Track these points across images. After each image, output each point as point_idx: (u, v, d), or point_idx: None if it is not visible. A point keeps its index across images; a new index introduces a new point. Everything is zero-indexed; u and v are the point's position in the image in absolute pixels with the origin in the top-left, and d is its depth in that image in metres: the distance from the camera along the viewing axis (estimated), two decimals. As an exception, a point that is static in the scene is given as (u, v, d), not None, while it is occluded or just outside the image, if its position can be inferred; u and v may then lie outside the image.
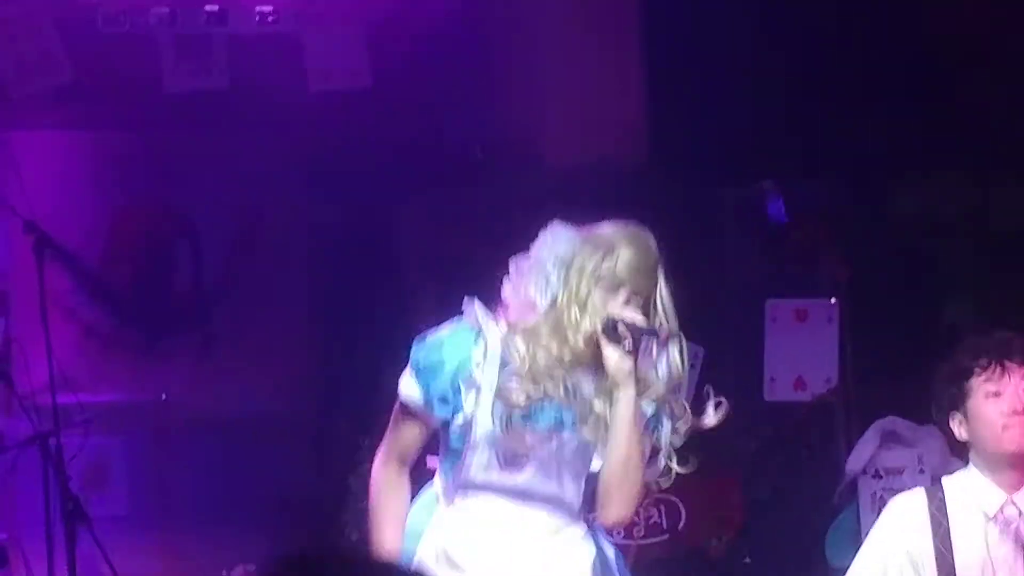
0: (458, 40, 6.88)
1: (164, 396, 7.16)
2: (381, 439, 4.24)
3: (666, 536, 6.51)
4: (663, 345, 4.09)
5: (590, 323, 3.97)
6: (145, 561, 6.84)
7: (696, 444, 4.97)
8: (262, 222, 7.43)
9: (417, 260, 6.30)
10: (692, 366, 6.89)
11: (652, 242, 4.07)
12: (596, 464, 4.16)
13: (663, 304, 4.06)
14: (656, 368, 4.11)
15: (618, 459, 4.04)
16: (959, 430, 4.42)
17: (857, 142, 6.65)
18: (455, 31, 6.89)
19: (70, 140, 7.20)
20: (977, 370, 4.38)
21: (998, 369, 4.36)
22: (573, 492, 4.12)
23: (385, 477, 4.13)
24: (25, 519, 6.67)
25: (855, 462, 5.90)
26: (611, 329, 3.93)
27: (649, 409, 4.10)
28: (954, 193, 6.85)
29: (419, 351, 4.09)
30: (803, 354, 6.71)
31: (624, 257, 4.00)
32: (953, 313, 6.80)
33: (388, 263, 6.71)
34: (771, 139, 6.62)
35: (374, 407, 4.89)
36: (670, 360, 4.10)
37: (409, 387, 4.08)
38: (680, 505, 6.52)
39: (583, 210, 4.30)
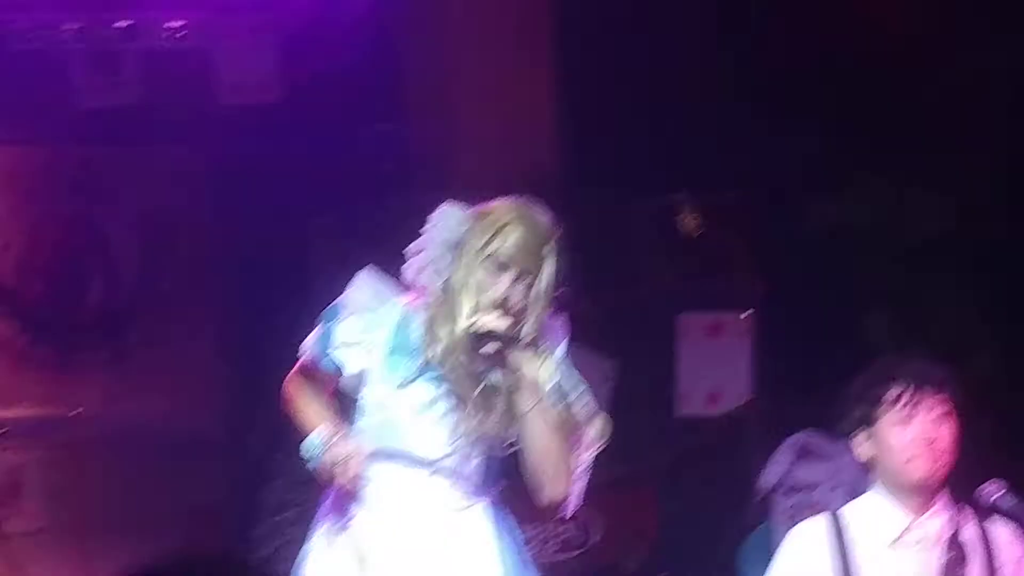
0: (372, 53, 6.80)
1: (79, 410, 7.11)
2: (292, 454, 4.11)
3: (580, 551, 6.45)
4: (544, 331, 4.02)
5: (469, 313, 3.95)
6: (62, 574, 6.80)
7: (610, 459, 5.53)
8: (175, 236, 7.44)
9: (330, 273, 6.22)
10: (607, 380, 6.57)
11: (543, 219, 4.01)
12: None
13: (542, 285, 3.97)
14: (538, 350, 4.03)
15: (530, 437, 4.02)
16: (864, 449, 4.34)
17: (771, 155, 6.61)
18: (369, 45, 6.78)
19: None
20: (890, 395, 4.29)
21: (911, 397, 4.29)
22: (474, 468, 4.06)
23: (306, 393, 4.04)
24: None
25: (768, 478, 5.56)
26: (475, 339, 3.89)
27: (547, 382, 4.04)
28: (869, 206, 6.81)
29: (337, 319, 4.08)
30: (716, 368, 6.76)
31: (512, 237, 3.95)
32: (868, 326, 6.77)
33: (301, 276, 6.62)
34: (684, 153, 6.58)
35: (286, 421, 4.71)
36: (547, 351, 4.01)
37: (332, 353, 4.06)
38: (594, 520, 6.43)
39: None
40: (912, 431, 4.21)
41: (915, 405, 4.23)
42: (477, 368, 3.98)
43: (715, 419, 6.80)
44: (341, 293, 4.47)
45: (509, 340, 3.86)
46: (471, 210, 4.01)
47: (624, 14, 6.60)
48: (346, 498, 4.05)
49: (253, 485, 6.41)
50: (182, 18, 6.80)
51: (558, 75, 6.76)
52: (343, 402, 4.18)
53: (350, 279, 4.43)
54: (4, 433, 6.79)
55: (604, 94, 6.66)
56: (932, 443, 4.23)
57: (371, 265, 4.10)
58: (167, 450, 7.18)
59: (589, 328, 5.59)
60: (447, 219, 4.01)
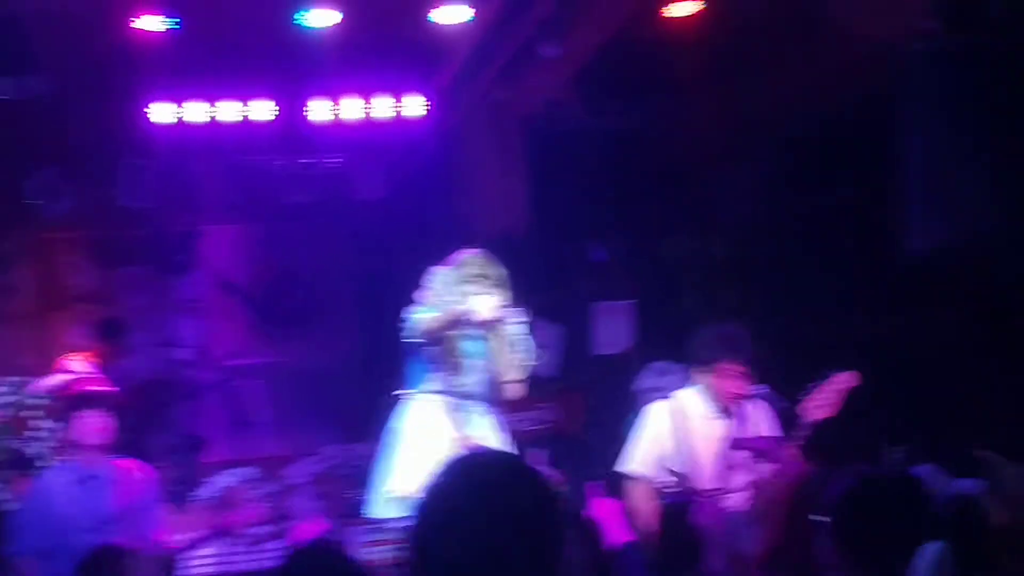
0: (429, 172, 9.11)
1: (284, 360, 9.62)
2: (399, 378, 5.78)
3: (547, 425, 8.39)
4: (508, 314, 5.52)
5: (462, 309, 5.38)
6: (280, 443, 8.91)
7: (562, 375, 7.68)
8: (330, 270, 9.78)
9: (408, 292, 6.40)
10: (558, 339, 8.59)
11: (484, 257, 5.48)
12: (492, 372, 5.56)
13: (500, 283, 5.44)
14: (505, 325, 5.60)
15: (501, 366, 5.63)
16: (698, 376, 5.77)
17: (636, 215, 8.65)
18: (427, 167, 9.04)
19: (236, 231, 9.87)
20: (720, 358, 5.63)
21: (733, 369, 5.60)
22: (483, 387, 5.63)
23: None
24: (212, 422, 9.02)
25: (640, 383, 7.01)
26: (467, 316, 5.45)
27: (511, 341, 5.54)
28: (686, 246, 8.88)
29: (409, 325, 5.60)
30: (615, 330, 8.70)
31: (470, 266, 5.52)
32: (697, 312, 7.95)
33: (398, 297, 6.63)
34: (593, 218, 8.81)
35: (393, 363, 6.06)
36: (509, 328, 5.60)
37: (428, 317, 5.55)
38: (553, 409, 8.49)
39: (493, 254, 5.80)
40: (727, 383, 5.59)
41: (732, 369, 5.64)
42: (471, 337, 5.47)
43: (614, 356, 8.66)
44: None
45: (492, 322, 5.47)
46: (447, 264, 5.50)
47: (561, 157, 8.62)
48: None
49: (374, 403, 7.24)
50: (336, 156, 9.33)
51: (528, 178, 8.93)
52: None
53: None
54: (241, 371, 9.20)
55: (552, 189, 8.77)
56: (741, 392, 5.70)
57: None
58: (324, 376, 9.47)
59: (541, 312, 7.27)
60: (436, 273, 5.58)
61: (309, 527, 4.12)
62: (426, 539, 2.10)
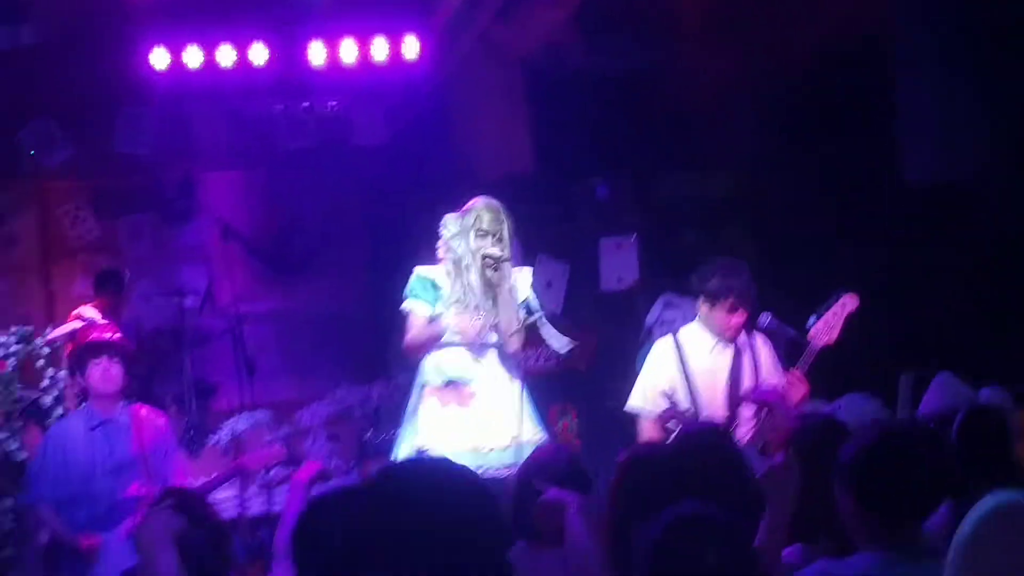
0: (429, 113, 8.89)
1: (291, 305, 9.68)
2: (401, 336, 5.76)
3: (554, 362, 8.20)
4: (513, 264, 5.57)
5: (474, 258, 5.47)
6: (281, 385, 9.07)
7: (565, 312, 7.68)
8: (331, 213, 9.72)
9: (416, 235, 6.69)
10: (563, 275, 8.48)
11: (497, 204, 5.51)
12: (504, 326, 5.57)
13: (507, 236, 5.54)
14: (515, 278, 5.65)
15: (506, 321, 5.60)
16: (703, 309, 5.89)
17: (638, 153, 8.43)
18: (427, 109, 8.85)
19: (240, 178, 9.81)
20: (725, 296, 5.76)
21: (735, 303, 5.78)
22: (495, 339, 5.66)
23: (418, 336, 5.59)
24: (221, 369, 9.16)
25: (650, 318, 6.73)
26: (483, 260, 5.50)
27: (521, 298, 5.61)
28: (688, 184, 8.77)
29: (416, 287, 5.67)
30: (620, 265, 8.52)
31: (484, 218, 5.53)
32: (699, 249, 7.38)
33: (401, 235, 7.75)
34: (595, 157, 8.64)
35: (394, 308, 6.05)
36: (512, 277, 5.63)
37: (419, 307, 5.68)
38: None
39: (498, 195, 5.80)
40: (729, 318, 5.80)
41: (735, 308, 5.78)
42: (483, 280, 5.49)
43: (621, 291, 8.46)
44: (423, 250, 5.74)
45: (501, 260, 5.49)
46: (459, 211, 5.53)
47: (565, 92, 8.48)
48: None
49: (381, 342, 8.09)
50: (335, 99, 9.15)
51: (531, 118, 8.86)
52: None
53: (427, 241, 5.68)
54: (250, 317, 9.02)
55: (557, 126, 8.57)
56: (738, 327, 5.86)
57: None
58: (332, 319, 9.58)
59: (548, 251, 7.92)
60: (449, 221, 5.60)
61: (308, 467, 4.09)
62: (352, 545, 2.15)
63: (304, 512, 3.01)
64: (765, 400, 5.43)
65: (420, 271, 5.71)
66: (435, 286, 5.64)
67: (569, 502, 3.40)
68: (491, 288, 5.53)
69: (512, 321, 5.50)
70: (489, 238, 5.50)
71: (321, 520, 2.92)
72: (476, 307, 5.53)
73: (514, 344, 5.52)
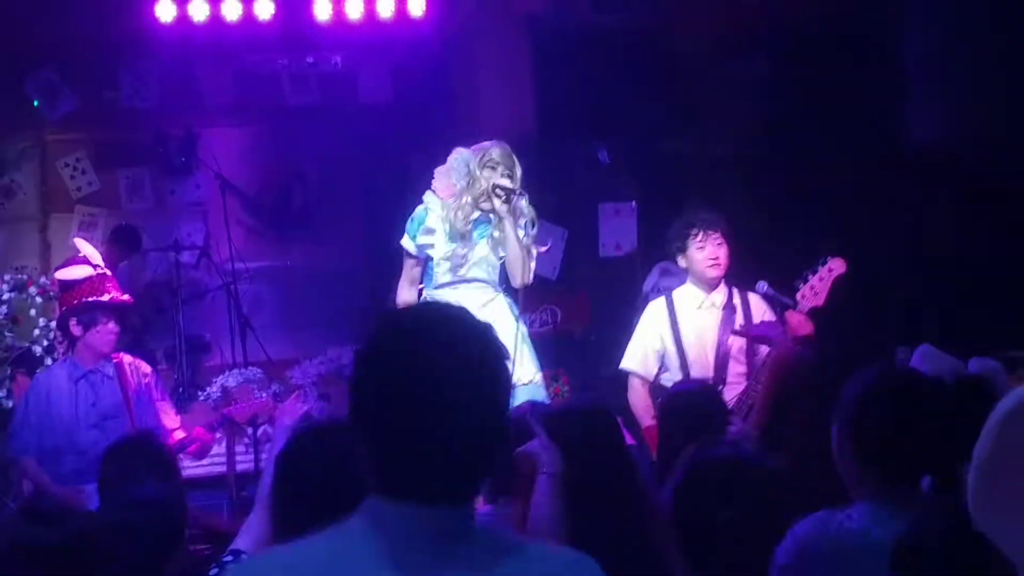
0: (435, 70, 8.88)
1: (288, 263, 9.58)
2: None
3: (550, 327, 8.40)
4: (519, 196, 5.54)
5: (484, 185, 5.46)
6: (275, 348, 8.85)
7: (562, 276, 7.81)
8: (335, 171, 9.60)
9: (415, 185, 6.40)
10: (560, 240, 8.31)
11: (506, 146, 5.56)
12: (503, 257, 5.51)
13: (518, 175, 5.54)
14: (519, 208, 5.56)
15: (512, 253, 5.50)
16: (682, 262, 5.91)
17: (640, 113, 8.37)
18: (433, 66, 8.85)
19: (240, 133, 9.69)
20: (692, 232, 5.79)
21: (703, 234, 5.79)
22: (493, 276, 5.59)
23: (408, 292, 5.66)
24: (215, 325, 9.19)
25: (647, 285, 6.75)
26: (493, 189, 5.44)
27: (521, 226, 5.52)
28: (689, 144, 8.55)
29: (408, 223, 5.66)
30: (619, 231, 8.58)
31: (494, 153, 5.55)
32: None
33: (402, 190, 7.15)
34: (598, 118, 8.51)
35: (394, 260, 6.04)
36: (521, 204, 5.57)
37: (406, 242, 5.67)
38: (558, 310, 8.50)
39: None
40: (705, 253, 5.75)
41: (706, 238, 5.74)
42: (483, 221, 5.47)
43: (619, 258, 8.58)
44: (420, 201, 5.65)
45: (510, 191, 5.46)
46: (471, 148, 5.59)
47: (569, 49, 8.45)
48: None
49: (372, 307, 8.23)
50: (339, 56, 9.20)
51: (537, 84, 8.77)
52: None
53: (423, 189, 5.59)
54: (246, 273, 9.01)
55: (561, 87, 8.54)
56: (716, 258, 5.77)
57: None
58: (330, 278, 9.43)
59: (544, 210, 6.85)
60: (460, 153, 5.63)
61: (293, 410, 4.00)
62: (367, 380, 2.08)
63: (287, 444, 2.98)
64: (764, 336, 5.39)
65: (416, 211, 5.72)
66: (426, 211, 5.66)
67: (544, 462, 3.31)
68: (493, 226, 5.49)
69: (518, 255, 5.41)
70: (500, 169, 5.49)
71: (304, 449, 2.92)
72: (463, 237, 5.51)
73: (520, 278, 5.44)
